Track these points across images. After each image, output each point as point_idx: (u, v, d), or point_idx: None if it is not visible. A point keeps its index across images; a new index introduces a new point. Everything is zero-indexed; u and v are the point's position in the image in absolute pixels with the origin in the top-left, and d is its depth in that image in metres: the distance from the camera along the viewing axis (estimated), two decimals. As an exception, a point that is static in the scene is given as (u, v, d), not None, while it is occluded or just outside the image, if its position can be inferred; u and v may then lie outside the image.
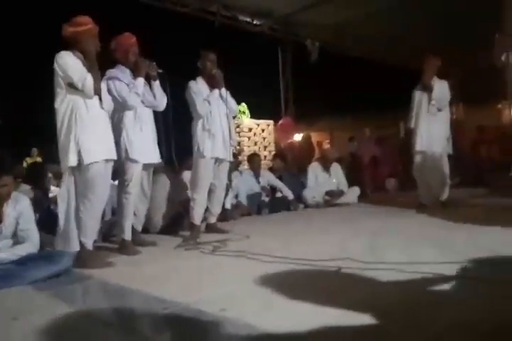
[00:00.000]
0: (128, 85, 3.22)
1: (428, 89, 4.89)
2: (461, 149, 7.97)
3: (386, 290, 2.01)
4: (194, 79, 3.82)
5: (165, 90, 3.48)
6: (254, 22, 7.86)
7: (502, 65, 4.54)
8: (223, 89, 3.80)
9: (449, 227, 3.64)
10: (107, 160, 2.84)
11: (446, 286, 2.01)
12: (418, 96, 5.03)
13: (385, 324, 1.59)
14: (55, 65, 2.71)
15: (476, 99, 9.74)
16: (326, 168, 6.06)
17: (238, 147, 7.44)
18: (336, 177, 6.09)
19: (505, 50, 4.53)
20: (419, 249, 2.76)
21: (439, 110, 4.91)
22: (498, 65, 4.39)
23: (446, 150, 4.95)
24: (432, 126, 4.88)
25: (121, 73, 3.29)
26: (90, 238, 2.82)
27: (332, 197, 5.86)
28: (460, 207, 4.90)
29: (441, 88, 4.91)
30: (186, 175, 4.55)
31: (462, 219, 3.84)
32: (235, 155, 5.72)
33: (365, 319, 1.62)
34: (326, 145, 8.68)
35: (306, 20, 7.82)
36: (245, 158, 6.64)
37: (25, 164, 5.04)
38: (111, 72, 3.25)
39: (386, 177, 8.13)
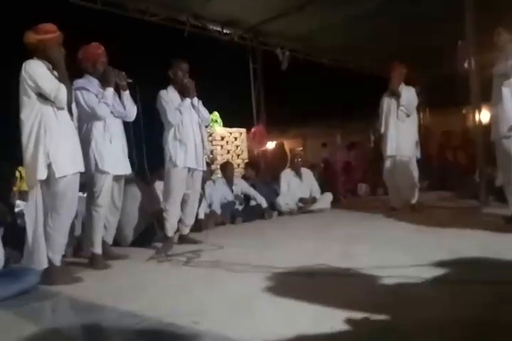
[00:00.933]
0: (97, 95, 3.17)
1: (396, 95, 5.03)
2: (428, 154, 8.20)
3: (360, 294, 2.04)
4: (165, 88, 3.80)
5: (135, 100, 3.45)
6: (224, 31, 7.90)
7: (465, 71, 4.70)
8: (195, 99, 3.78)
9: (418, 230, 3.73)
10: (75, 173, 2.78)
11: (416, 288, 2.05)
12: (386, 102, 5.16)
13: (358, 328, 1.61)
14: (23, 74, 2.63)
15: (442, 105, 10.06)
16: (299, 174, 6.11)
17: (211, 156, 7.42)
18: (309, 183, 6.14)
19: (468, 57, 4.70)
20: (390, 253, 2.82)
21: (408, 116, 5.05)
22: (461, 71, 4.55)
23: (414, 155, 5.08)
24: (401, 131, 5.01)
25: (89, 83, 3.23)
26: (58, 253, 2.73)
27: (305, 204, 5.90)
28: (428, 210, 5.02)
29: (408, 94, 5.05)
30: (158, 186, 4.50)
31: (431, 222, 3.94)
32: (208, 164, 5.70)
33: (339, 323, 1.63)
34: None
35: (275, 29, 7.90)
36: (218, 166, 6.61)
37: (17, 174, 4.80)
38: (78, 83, 3.19)
39: (358, 183, 8.26)
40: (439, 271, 2.28)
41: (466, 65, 4.57)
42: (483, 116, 5.51)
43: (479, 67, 5.00)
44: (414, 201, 5.05)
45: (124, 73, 3.33)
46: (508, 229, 3.29)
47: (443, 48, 5.78)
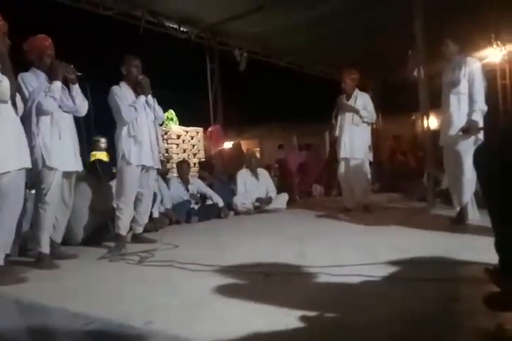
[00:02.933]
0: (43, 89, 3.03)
1: (354, 111, 5.18)
2: (380, 157, 8.50)
3: (315, 293, 2.06)
4: (117, 84, 3.70)
5: (85, 94, 3.32)
6: (181, 29, 7.79)
7: (414, 79, 4.91)
8: (150, 96, 3.70)
9: (370, 230, 3.86)
10: (20, 169, 2.63)
11: (368, 286, 2.11)
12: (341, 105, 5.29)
13: (313, 325, 1.63)
14: None
15: (393, 110, 10.45)
16: (255, 174, 6.14)
17: (167, 154, 7.29)
18: (265, 183, 6.18)
19: (417, 66, 4.90)
20: (344, 252, 2.89)
21: (370, 123, 5.26)
22: (411, 79, 4.74)
23: (367, 158, 5.25)
24: (355, 134, 5.18)
25: (35, 77, 3.09)
26: (1, 252, 2.57)
27: (262, 204, 5.94)
28: (379, 211, 5.20)
29: (365, 101, 5.22)
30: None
31: (382, 223, 4.09)
32: (163, 162, 5.60)
33: (294, 321, 1.65)
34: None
35: (234, 29, 7.90)
36: (174, 165, 6.51)
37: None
38: (24, 76, 3.04)
39: (312, 184, 8.42)
40: (390, 269, 2.35)
41: (415, 73, 4.76)
42: (431, 122, 5.78)
43: (428, 76, 5.25)
44: (366, 202, 5.21)
45: (72, 66, 3.20)
46: (454, 230, 3.47)
47: (395, 56, 6.01)
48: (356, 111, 5.16)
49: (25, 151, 2.72)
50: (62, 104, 3.14)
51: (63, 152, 3.09)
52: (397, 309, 1.75)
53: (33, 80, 3.05)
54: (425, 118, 5.50)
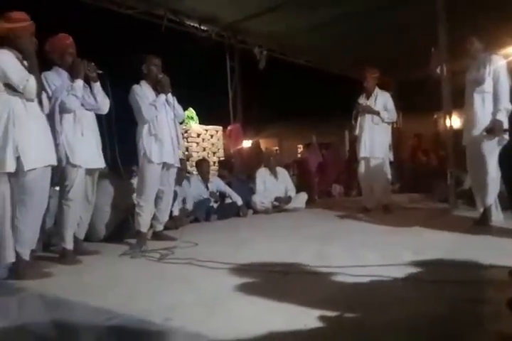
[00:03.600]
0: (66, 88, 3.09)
1: (373, 113, 5.13)
2: (400, 156, 8.38)
3: (333, 292, 2.06)
4: (138, 82, 3.74)
5: (106, 91, 3.36)
6: (202, 27, 7.84)
7: (437, 77, 4.83)
8: (169, 95, 3.74)
9: (390, 231, 3.81)
10: (46, 166, 2.70)
11: (386, 287, 2.10)
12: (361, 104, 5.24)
13: (331, 325, 1.63)
14: None
15: (414, 109, 10.29)
16: (274, 173, 6.14)
17: (187, 152, 7.36)
18: (284, 182, 6.18)
19: (440, 64, 4.82)
20: (363, 253, 2.86)
21: (390, 123, 5.20)
22: (434, 77, 4.67)
23: (388, 157, 5.19)
24: (375, 133, 5.12)
25: (58, 75, 3.15)
26: (27, 247, 2.64)
27: (280, 203, 5.93)
28: (400, 212, 5.13)
29: (385, 101, 5.16)
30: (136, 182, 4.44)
31: (402, 223, 4.03)
32: (183, 161, 5.65)
33: (312, 321, 1.65)
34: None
35: (254, 27, 7.89)
36: (194, 163, 6.57)
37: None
38: (47, 75, 3.10)
39: (332, 184, 8.36)
40: (411, 271, 2.32)
41: (438, 70, 4.69)
42: (454, 120, 5.67)
43: (451, 73, 5.15)
44: (386, 202, 5.15)
45: (93, 64, 3.25)
46: (476, 231, 3.39)
47: (416, 53, 5.92)
48: (377, 113, 5.10)
49: (50, 148, 2.78)
50: (85, 102, 3.19)
51: (86, 149, 3.15)
52: (417, 310, 1.73)
53: (56, 79, 3.12)
54: (448, 117, 5.40)
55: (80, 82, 3.13)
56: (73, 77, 3.14)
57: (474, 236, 3.27)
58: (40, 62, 2.79)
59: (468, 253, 2.67)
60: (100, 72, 3.29)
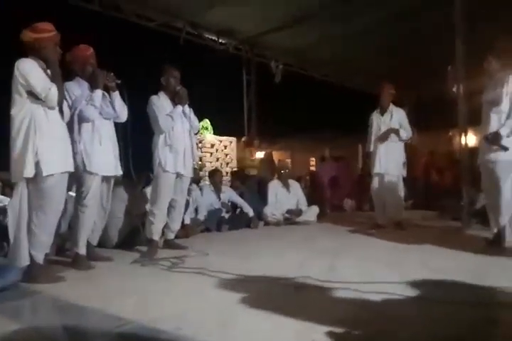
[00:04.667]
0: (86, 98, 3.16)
1: (385, 114, 5.13)
2: (414, 173, 8.32)
3: (342, 308, 2.05)
4: (156, 93, 3.81)
5: (123, 100, 3.41)
6: (220, 40, 7.97)
7: (453, 95, 4.82)
8: (186, 106, 3.80)
9: (402, 248, 3.78)
10: (63, 172, 2.75)
11: (397, 305, 2.08)
12: (376, 120, 5.25)
13: (340, 342, 1.62)
14: (16, 72, 2.62)
15: (428, 126, 10.24)
16: (286, 185, 6.15)
17: (200, 162, 7.42)
18: (296, 195, 6.18)
19: (457, 83, 4.82)
20: (374, 269, 2.85)
21: (405, 139, 5.18)
22: (450, 95, 4.66)
23: (401, 174, 5.16)
24: (389, 150, 5.10)
25: (78, 86, 3.23)
26: (42, 251, 2.69)
27: (292, 216, 5.93)
28: (412, 229, 5.08)
29: (400, 118, 5.15)
30: (149, 190, 4.49)
31: (414, 241, 3.99)
32: (195, 170, 5.70)
33: (321, 337, 1.64)
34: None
35: (271, 42, 8.02)
36: (207, 173, 6.61)
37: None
38: (68, 85, 3.18)
39: (344, 198, 8.33)
40: (421, 290, 2.30)
41: (454, 89, 4.68)
42: (469, 139, 5.64)
43: (467, 92, 5.14)
44: (399, 219, 5.11)
45: (112, 74, 3.32)
46: (489, 252, 3.34)
47: (431, 70, 5.94)
48: (396, 131, 5.10)
49: (68, 155, 2.85)
50: (103, 111, 3.26)
51: (103, 157, 3.20)
52: (427, 331, 1.72)
53: (76, 89, 3.19)
54: (463, 135, 5.38)
55: (99, 92, 3.20)
56: (93, 87, 3.21)
57: (487, 256, 3.22)
58: (63, 72, 2.87)
59: (480, 273, 2.64)
60: (118, 81, 3.36)
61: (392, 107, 5.22)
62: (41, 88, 2.61)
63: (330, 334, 1.67)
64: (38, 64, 2.70)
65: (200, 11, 6.80)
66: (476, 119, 3.99)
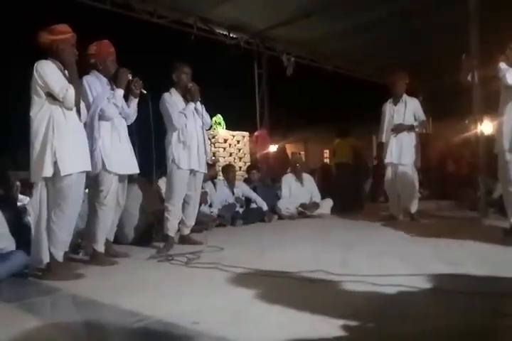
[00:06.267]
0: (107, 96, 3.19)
1: (398, 104, 5.08)
2: (429, 163, 8.22)
3: (357, 301, 2.06)
4: (167, 90, 3.83)
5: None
6: (231, 35, 7.95)
7: (468, 84, 4.73)
8: (198, 103, 3.82)
9: (417, 240, 3.76)
10: (81, 172, 2.80)
11: (412, 297, 2.08)
12: (388, 110, 5.20)
13: (355, 335, 1.63)
14: (35, 74, 2.67)
15: (443, 115, 10.09)
16: (300, 179, 6.14)
17: (213, 158, 7.45)
18: (310, 188, 6.17)
19: (471, 70, 4.73)
20: (389, 261, 2.84)
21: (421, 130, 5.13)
22: (464, 84, 4.58)
23: (415, 164, 5.10)
24: (403, 140, 5.04)
25: (99, 81, 3.24)
26: (61, 249, 2.76)
27: (306, 209, 5.93)
28: (427, 220, 5.04)
29: (415, 107, 5.09)
30: (161, 185, 4.54)
31: (429, 232, 3.97)
32: (210, 165, 5.73)
33: (336, 330, 1.66)
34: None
35: (282, 35, 7.97)
36: (220, 168, 6.64)
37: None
38: (88, 79, 3.20)
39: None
40: (436, 281, 2.30)
41: (469, 78, 4.59)
42: (485, 127, 5.54)
43: (483, 79, 5.04)
44: (414, 210, 5.07)
45: (141, 82, 3.36)
46: (507, 242, 3.30)
47: (446, 58, 5.83)
48: (411, 127, 5.05)
49: (86, 155, 2.89)
50: (123, 111, 3.30)
51: (122, 156, 3.24)
52: (442, 322, 1.72)
53: (97, 84, 3.21)
54: (479, 123, 5.29)
55: (120, 92, 3.23)
56: (116, 85, 3.24)
57: (504, 247, 3.18)
58: (80, 65, 2.90)
59: (496, 264, 2.62)
60: (145, 92, 3.40)
61: (405, 97, 5.15)
62: (59, 89, 2.66)
63: (344, 327, 1.68)
64: (56, 65, 2.75)
65: (211, 7, 6.79)
66: (493, 105, 3.91)
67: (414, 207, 5.08)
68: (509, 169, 3.58)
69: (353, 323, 1.72)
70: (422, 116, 5.11)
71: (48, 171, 2.64)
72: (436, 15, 6.70)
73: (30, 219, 2.75)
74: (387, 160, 5.10)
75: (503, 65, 3.58)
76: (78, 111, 2.83)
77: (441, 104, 9.63)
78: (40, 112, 2.67)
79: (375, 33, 7.47)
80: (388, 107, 5.21)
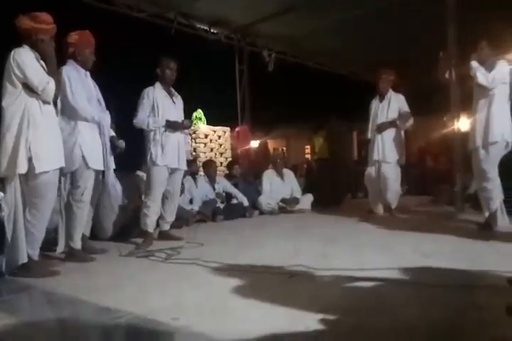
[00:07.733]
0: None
1: (384, 101, 5.13)
2: (408, 159, 8.33)
3: (336, 295, 2.08)
4: (151, 84, 3.79)
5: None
6: (212, 30, 7.89)
7: (446, 81, 4.81)
8: (179, 98, 3.82)
9: (394, 234, 3.82)
10: (56, 168, 2.73)
11: (390, 290, 2.12)
12: (374, 107, 5.25)
13: (333, 328, 1.65)
14: (11, 62, 2.55)
15: (422, 112, 10.22)
16: (281, 174, 6.16)
17: (194, 153, 7.41)
18: (290, 184, 6.20)
19: (449, 68, 4.81)
20: (367, 255, 2.88)
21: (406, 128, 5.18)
22: (442, 81, 4.65)
23: (399, 161, 5.15)
24: (388, 137, 5.09)
25: (76, 71, 3.15)
26: (37, 248, 2.70)
27: (287, 204, 5.95)
28: (406, 214, 5.12)
29: (400, 103, 5.14)
30: (139, 180, 4.51)
31: (407, 226, 4.04)
32: (193, 163, 5.71)
33: (314, 323, 1.67)
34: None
35: (263, 30, 7.95)
36: (201, 164, 6.62)
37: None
38: (68, 71, 3.09)
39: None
40: (413, 274, 2.34)
41: (447, 75, 4.67)
42: (462, 124, 5.64)
43: (460, 77, 5.13)
44: (393, 206, 5.13)
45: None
46: (481, 236, 3.39)
47: (426, 56, 5.91)
48: (394, 126, 5.10)
49: (61, 151, 2.79)
50: (100, 107, 3.25)
51: (99, 152, 3.18)
52: (418, 314, 1.75)
53: (75, 75, 3.12)
54: (456, 120, 5.38)
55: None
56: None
57: (478, 240, 3.26)
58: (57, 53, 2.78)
59: (471, 257, 2.68)
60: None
61: (391, 94, 5.20)
62: (38, 81, 2.56)
63: (322, 321, 1.70)
64: (34, 55, 2.64)
65: (191, 1, 6.72)
66: (469, 104, 3.99)
67: (394, 203, 5.15)
68: (482, 165, 3.67)
69: (331, 317, 1.74)
70: (407, 112, 5.14)
71: (22, 168, 2.54)
72: (414, 14, 6.79)
73: (6, 218, 2.61)
74: (373, 157, 5.13)
75: (474, 64, 3.67)
76: (55, 105, 2.76)
77: (420, 102, 9.76)
78: (15, 104, 2.55)
79: (353, 31, 7.54)
80: (374, 104, 5.26)
